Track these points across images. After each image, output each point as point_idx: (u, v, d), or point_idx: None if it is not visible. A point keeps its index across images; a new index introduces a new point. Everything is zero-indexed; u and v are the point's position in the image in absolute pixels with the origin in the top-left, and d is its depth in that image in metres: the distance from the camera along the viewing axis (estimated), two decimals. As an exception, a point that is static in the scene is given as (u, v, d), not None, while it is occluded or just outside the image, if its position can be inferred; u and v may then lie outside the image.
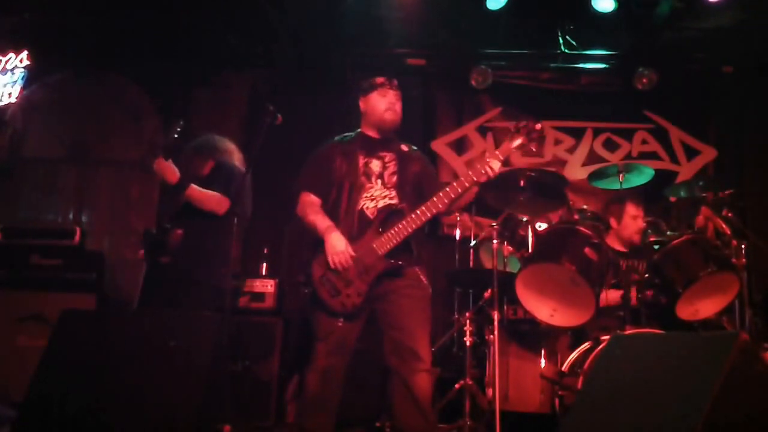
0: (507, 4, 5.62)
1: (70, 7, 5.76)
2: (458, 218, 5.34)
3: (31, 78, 5.83)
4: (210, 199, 3.76)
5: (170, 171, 3.70)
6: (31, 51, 5.76)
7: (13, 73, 5.74)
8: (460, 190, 3.17)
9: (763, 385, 2.13)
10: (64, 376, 2.86)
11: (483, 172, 3.13)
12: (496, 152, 3.19)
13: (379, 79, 3.38)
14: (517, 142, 3.19)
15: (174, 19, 5.83)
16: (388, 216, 3.20)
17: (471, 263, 5.20)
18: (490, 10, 5.68)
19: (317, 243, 3.22)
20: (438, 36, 6.18)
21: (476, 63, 6.28)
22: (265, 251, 5.32)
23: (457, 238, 5.32)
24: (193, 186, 3.74)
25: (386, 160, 3.35)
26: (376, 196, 3.27)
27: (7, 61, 5.74)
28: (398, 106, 3.37)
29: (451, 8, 5.86)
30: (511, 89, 6.41)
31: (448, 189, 3.17)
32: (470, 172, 3.17)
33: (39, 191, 6.22)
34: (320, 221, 3.24)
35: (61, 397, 2.80)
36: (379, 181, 3.30)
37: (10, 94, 5.74)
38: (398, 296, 3.19)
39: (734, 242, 4.37)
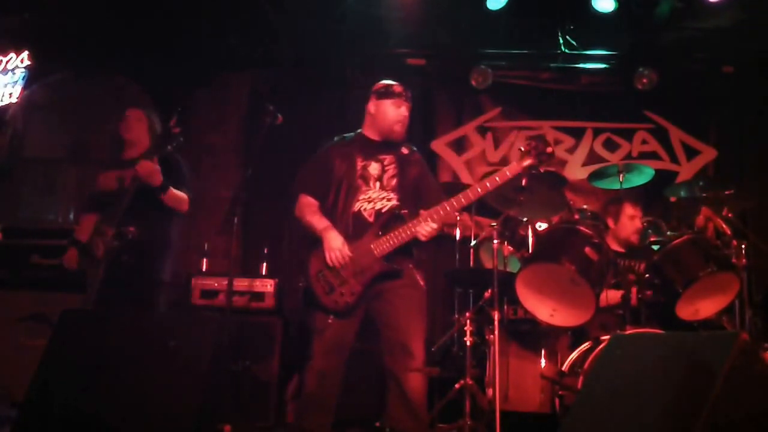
0: (507, 4, 5.62)
1: (71, 7, 5.76)
2: (458, 218, 5.35)
3: (31, 78, 5.83)
4: (182, 200, 3.87)
5: (157, 173, 3.71)
6: (32, 51, 5.76)
7: (13, 73, 5.74)
8: (470, 200, 3.14)
9: (763, 385, 2.13)
10: (64, 376, 2.86)
11: (488, 185, 3.11)
12: (504, 172, 3.14)
13: (397, 88, 3.36)
14: (527, 162, 3.13)
15: (174, 20, 5.83)
16: (389, 219, 3.21)
17: (471, 263, 5.20)
18: (490, 10, 5.68)
19: (315, 241, 3.24)
20: (438, 36, 6.18)
21: (476, 63, 6.28)
22: (266, 251, 5.32)
23: (457, 237, 5.33)
24: (171, 188, 3.79)
25: (386, 163, 3.34)
26: (374, 198, 3.28)
27: (7, 61, 5.74)
28: (407, 120, 3.38)
29: (451, 8, 5.86)
30: (511, 89, 6.41)
31: (460, 197, 3.12)
32: (478, 187, 3.13)
33: (39, 191, 6.22)
34: (317, 221, 3.26)
35: (62, 397, 2.80)
36: (378, 184, 3.30)
37: (10, 94, 5.74)
38: (393, 295, 3.20)
39: (734, 242, 4.37)
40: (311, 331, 3.24)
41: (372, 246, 3.17)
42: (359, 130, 3.46)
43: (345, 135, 3.46)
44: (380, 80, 3.48)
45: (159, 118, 4.12)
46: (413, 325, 3.21)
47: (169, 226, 3.91)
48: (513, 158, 6.30)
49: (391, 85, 3.38)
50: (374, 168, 3.32)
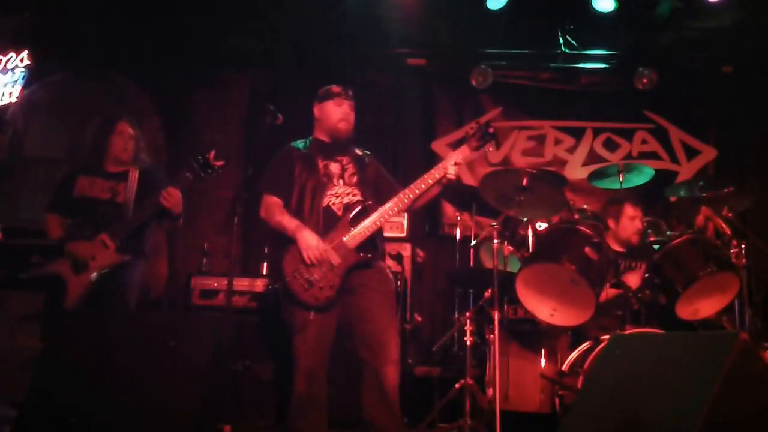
0: (507, 4, 5.63)
1: (70, 7, 5.76)
2: (459, 218, 5.35)
3: (31, 78, 5.83)
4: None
5: (181, 203, 3.68)
6: (32, 51, 5.77)
7: (13, 73, 5.74)
8: (424, 188, 3.30)
9: (763, 385, 2.14)
10: (64, 376, 2.87)
11: (444, 174, 3.29)
12: (455, 156, 3.33)
13: (336, 89, 3.49)
14: (474, 145, 3.34)
15: (174, 19, 5.84)
16: (358, 212, 3.31)
17: (471, 263, 5.20)
18: (490, 10, 5.69)
19: (286, 240, 3.28)
20: (438, 36, 6.19)
21: (476, 63, 6.29)
22: (266, 251, 5.32)
23: (458, 237, 5.33)
24: None
25: (344, 163, 3.46)
26: (341, 194, 3.37)
27: (7, 61, 5.75)
28: (351, 117, 3.48)
29: (451, 8, 5.87)
30: (512, 89, 6.41)
31: (413, 187, 3.31)
32: (434, 173, 3.31)
33: (39, 191, 6.21)
34: (287, 221, 3.31)
35: (61, 396, 2.80)
36: (341, 181, 3.41)
37: (10, 93, 5.74)
38: (369, 290, 3.28)
39: (734, 242, 4.37)
40: (291, 333, 3.26)
41: (344, 238, 3.26)
42: (311, 137, 3.55)
43: (300, 140, 3.53)
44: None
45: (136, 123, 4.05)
46: (390, 320, 3.30)
47: (146, 239, 3.84)
48: (513, 157, 6.33)
49: (330, 87, 3.51)
50: (335, 167, 3.43)
